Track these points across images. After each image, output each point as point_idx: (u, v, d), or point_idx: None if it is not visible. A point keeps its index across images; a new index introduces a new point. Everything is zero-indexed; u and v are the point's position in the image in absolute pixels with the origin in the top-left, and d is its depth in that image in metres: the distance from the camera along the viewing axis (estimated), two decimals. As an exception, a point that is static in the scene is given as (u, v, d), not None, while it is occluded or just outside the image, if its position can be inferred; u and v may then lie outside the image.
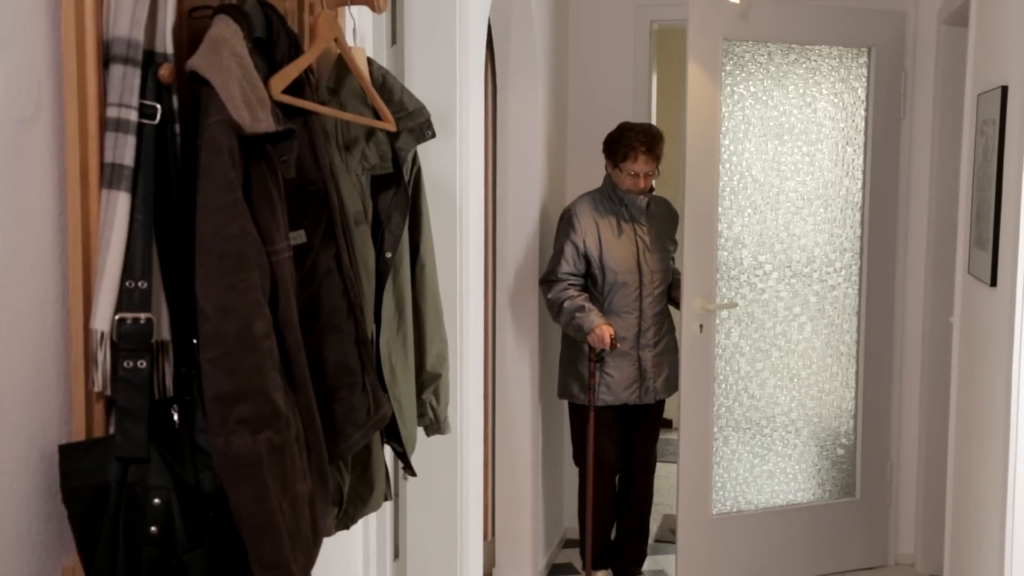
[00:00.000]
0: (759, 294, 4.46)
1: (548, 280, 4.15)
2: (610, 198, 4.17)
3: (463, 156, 2.94)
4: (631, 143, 4.07)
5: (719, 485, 4.47)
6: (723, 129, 4.32)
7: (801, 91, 4.46)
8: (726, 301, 4.36)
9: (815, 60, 4.48)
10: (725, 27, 4.28)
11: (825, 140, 4.49)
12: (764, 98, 4.41)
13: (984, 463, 3.19)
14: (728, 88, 4.34)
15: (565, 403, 4.78)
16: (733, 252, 4.40)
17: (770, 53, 4.41)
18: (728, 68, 4.34)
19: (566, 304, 4.06)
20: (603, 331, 3.98)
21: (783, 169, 4.44)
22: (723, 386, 4.45)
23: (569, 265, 4.11)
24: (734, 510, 4.52)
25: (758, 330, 4.48)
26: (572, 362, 4.23)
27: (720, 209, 4.33)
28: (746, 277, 4.43)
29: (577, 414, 4.34)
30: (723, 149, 4.33)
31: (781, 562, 4.60)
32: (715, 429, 4.41)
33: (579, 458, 4.35)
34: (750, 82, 4.38)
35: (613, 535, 4.44)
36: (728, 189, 4.36)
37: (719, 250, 4.35)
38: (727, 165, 4.35)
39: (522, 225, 4.34)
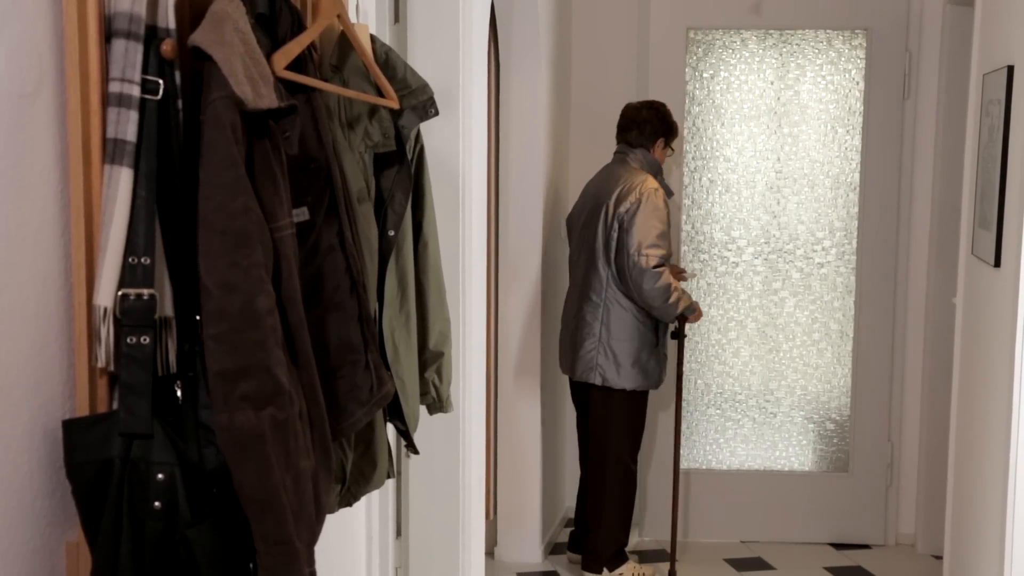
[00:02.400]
0: (732, 267, 4.73)
1: (661, 264, 3.96)
2: (655, 176, 4.13)
3: (466, 134, 2.93)
4: (676, 124, 4.22)
5: (684, 442, 4.77)
6: (689, 113, 4.65)
7: (780, 75, 4.64)
8: (688, 271, 4.67)
9: (797, 44, 4.64)
10: (689, 16, 4.62)
11: (810, 122, 4.65)
12: (737, 83, 4.67)
13: (986, 445, 3.20)
14: (698, 74, 4.67)
15: (566, 383, 4.79)
16: (701, 227, 4.73)
17: (743, 40, 4.65)
18: (699, 54, 4.66)
19: (673, 286, 3.99)
20: (699, 304, 4.17)
21: (760, 150, 4.67)
22: (691, 352, 4.73)
23: (669, 245, 4.02)
24: (703, 467, 4.80)
25: (731, 301, 4.75)
26: (642, 345, 4.10)
27: (687, 188, 4.69)
28: (717, 251, 4.74)
29: (638, 399, 4.18)
30: (687, 131, 4.65)
31: (755, 521, 4.80)
32: (677, 383, 4.69)
33: (633, 443, 4.23)
34: (720, 67, 4.67)
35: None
36: (694, 167, 4.69)
37: (684, 224, 4.70)
38: (692, 145, 4.67)
39: (525, 204, 4.33)
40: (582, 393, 4.25)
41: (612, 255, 4.02)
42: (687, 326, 4.25)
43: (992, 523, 3.08)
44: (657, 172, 4.14)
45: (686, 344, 4.64)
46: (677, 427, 4.29)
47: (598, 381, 4.09)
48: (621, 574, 4.23)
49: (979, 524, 3.25)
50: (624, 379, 4.07)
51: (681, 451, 4.75)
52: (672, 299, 3.97)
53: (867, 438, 4.72)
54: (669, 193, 4.18)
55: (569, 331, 4.21)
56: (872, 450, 4.72)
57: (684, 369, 4.53)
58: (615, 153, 4.22)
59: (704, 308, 4.72)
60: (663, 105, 4.21)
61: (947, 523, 3.73)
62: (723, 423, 4.81)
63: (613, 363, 4.07)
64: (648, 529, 4.77)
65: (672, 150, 4.25)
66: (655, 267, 3.92)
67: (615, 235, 4.00)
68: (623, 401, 4.13)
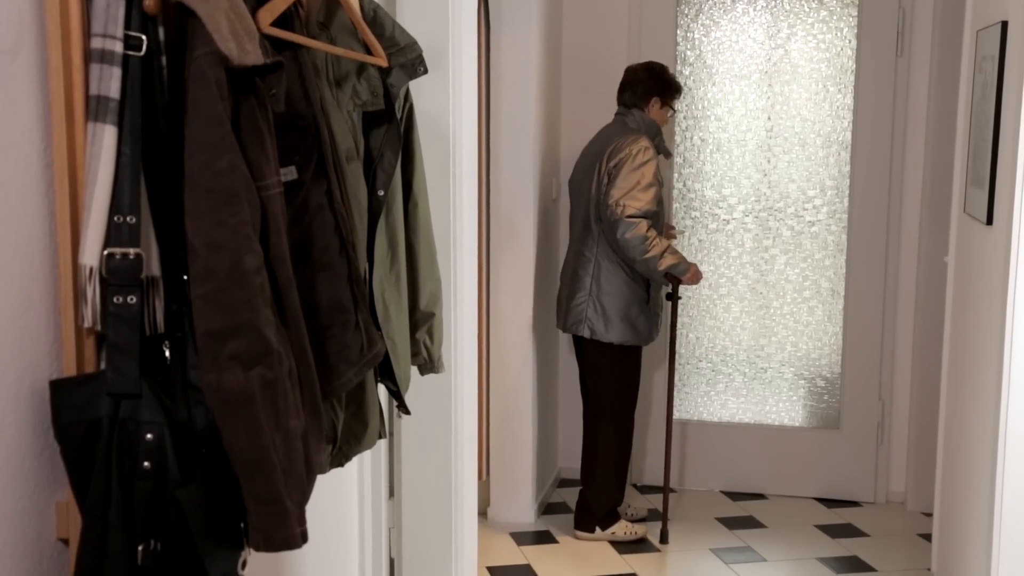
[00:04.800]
0: (723, 225, 4.79)
1: (643, 216, 3.97)
2: (648, 135, 4.13)
3: (456, 93, 2.91)
4: (678, 84, 4.20)
5: (675, 393, 4.84)
6: (680, 74, 4.70)
7: (771, 34, 4.66)
8: (677, 228, 4.75)
9: (788, 3, 4.64)
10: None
11: (802, 80, 4.66)
12: (728, 43, 4.70)
13: (977, 403, 3.21)
14: (689, 34, 4.71)
15: (560, 343, 4.78)
16: (693, 185, 4.79)
17: (734, 0, 4.70)
18: (691, 15, 4.69)
19: (658, 242, 4.00)
20: (697, 268, 4.13)
21: (751, 109, 4.71)
22: (683, 307, 4.79)
23: (656, 201, 4.02)
24: (695, 418, 4.90)
25: (721, 257, 4.81)
26: (632, 302, 4.12)
27: (678, 147, 4.76)
28: (708, 208, 4.79)
29: (629, 355, 4.21)
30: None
31: (745, 472, 4.88)
32: (670, 343, 4.79)
33: (627, 401, 4.27)
34: (712, 28, 4.70)
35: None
36: (685, 126, 4.74)
37: (675, 182, 4.77)
38: (683, 105, 4.71)
39: (516, 163, 4.31)
40: (579, 348, 4.29)
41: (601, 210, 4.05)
42: (684, 288, 4.25)
43: (982, 481, 3.10)
44: (655, 133, 4.15)
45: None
46: (670, 391, 4.30)
47: (587, 334, 4.15)
48: (613, 533, 4.25)
49: (969, 482, 3.27)
50: (612, 333, 4.12)
51: (673, 405, 4.85)
52: (651, 253, 3.97)
53: (858, 396, 4.74)
54: (667, 154, 4.17)
55: (565, 286, 4.28)
56: (862, 408, 4.75)
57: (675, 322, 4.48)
58: (615, 115, 4.24)
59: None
60: (659, 65, 4.20)
61: (937, 481, 3.75)
62: (714, 376, 4.89)
63: (601, 317, 4.12)
64: (641, 478, 4.92)
65: (673, 110, 4.22)
66: (630, 216, 3.94)
67: (604, 190, 4.04)
68: (614, 355, 4.17)
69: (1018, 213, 2.86)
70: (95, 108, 1.40)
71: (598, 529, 4.26)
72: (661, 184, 4.05)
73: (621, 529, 4.26)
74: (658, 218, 4.07)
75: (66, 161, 1.40)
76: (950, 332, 3.66)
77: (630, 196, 3.95)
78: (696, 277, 4.15)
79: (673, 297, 4.20)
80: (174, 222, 1.47)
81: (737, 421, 4.87)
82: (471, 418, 3.16)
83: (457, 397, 3.04)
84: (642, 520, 4.46)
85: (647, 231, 3.96)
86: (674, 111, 4.25)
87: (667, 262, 4.01)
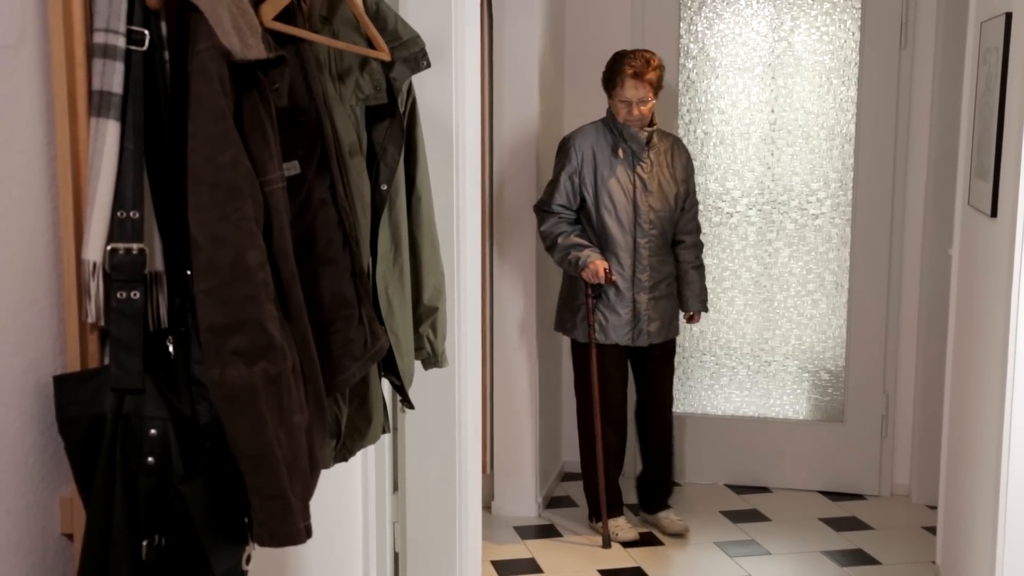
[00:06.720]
0: (726, 218, 4.78)
1: (542, 211, 4.08)
2: (611, 131, 4.09)
3: (459, 86, 2.91)
4: (621, 69, 4.02)
5: (678, 386, 4.80)
6: (684, 67, 4.70)
7: (775, 26, 4.65)
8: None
9: None
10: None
11: (805, 73, 4.65)
12: (731, 35, 4.69)
13: (981, 395, 3.20)
14: (692, 27, 4.70)
15: (562, 337, 4.78)
16: (696, 178, 4.73)
17: None
18: (694, 7, 4.69)
19: (560, 240, 4.00)
20: (596, 265, 3.97)
21: (754, 102, 4.70)
22: None
23: (563, 197, 4.03)
24: (699, 412, 4.89)
25: (725, 251, 4.80)
26: (570, 296, 4.16)
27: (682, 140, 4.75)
28: (712, 202, 4.77)
29: (579, 352, 4.20)
30: (682, 84, 4.70)
31: (749, 466, 4.87)
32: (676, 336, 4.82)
33: (582, 398, 4.23)
34: (715, 20, 4.70)
35: (638, 474, 4.43)
36: (688, 119, 4.74)
37: None
38: (686, 98, 4.72)
39: (519, 156, 4.31)
40: None
41: None
42: (609, 288, 4.07)
43: (986, 473, 3.10)
44: (612, 128, 4.08)
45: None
46: (592, 383, 4.13)
47: (555, 325, 4.30)
48: (618, 525, 4.24)
49: (974, 474, 3.27)
50: (560, 326, 4.23)
51: (677, 396, 4.82)
52: (555, 253, 4.04)
53: (862, 389, 4.74)
54: (629, 152, 4.06)
55: None
56: (867, 401, 4.74)
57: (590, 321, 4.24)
58: None
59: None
60: (625, 53, 4.06)
61: (942, 473, 3.75)
62: (718, 370, 4.88)
63: (559, 311, 4.26)
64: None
65: (615, 100, 4.04)
66: (537, 209, 4.12)
67: None
68: (573, 349, 4.26)
69: (1022, 205, 2.86)
70: (98, 103, 1.40)
71: (602, 520, 4.24)
72: (577, 181, 4.01)
73: (617, 528, 4.23)
74: (588, 217, 4.05)
75: (69, 156, 1.40)
76: (954, 325, 3.65)
77: (544, 191, 4.13)
78: (593, 274, 3.96)
79: (585, 295, 4.07)
80: (177, 217, 1.47)
81: (741, 414, 4.86)
82: (475, 412, 3.16)
83: (461, 391, 3.04)
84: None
85: (542, 227, 4.07)
86: (616, 101, 4.03)
87: (569, 258, 3.99)
